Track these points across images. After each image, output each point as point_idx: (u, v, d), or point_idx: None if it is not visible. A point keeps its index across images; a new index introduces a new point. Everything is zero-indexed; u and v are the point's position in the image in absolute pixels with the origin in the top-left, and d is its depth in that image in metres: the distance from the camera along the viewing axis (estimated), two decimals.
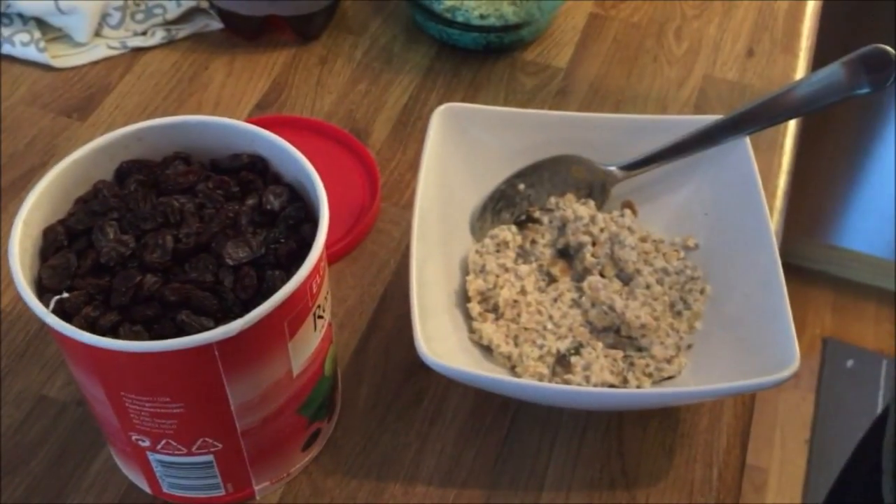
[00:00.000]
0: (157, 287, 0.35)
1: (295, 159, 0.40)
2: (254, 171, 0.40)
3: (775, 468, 1.39)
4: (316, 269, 0.36)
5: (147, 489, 0.43)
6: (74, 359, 0.36)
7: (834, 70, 0.46)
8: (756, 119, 0.50)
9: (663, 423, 0.47)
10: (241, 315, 0.34)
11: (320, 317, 0.38)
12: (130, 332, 0.34)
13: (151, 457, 0.39)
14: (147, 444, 0.38)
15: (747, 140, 0.50)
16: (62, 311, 0.35)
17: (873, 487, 0.53)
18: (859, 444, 0.66)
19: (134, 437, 0.38)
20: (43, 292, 0.36)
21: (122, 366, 0.34)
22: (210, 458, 0.39)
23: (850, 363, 1.51)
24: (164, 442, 0.38)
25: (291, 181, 0.41)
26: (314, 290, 0.37)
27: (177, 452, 0.38)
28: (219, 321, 0.35)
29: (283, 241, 0.38)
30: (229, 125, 0.41)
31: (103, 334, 0.34)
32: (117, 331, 0.35)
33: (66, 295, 0.34)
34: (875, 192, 1.47)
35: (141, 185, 0.39)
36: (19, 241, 0.35)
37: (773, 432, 1.43)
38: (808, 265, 1.60)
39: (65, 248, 0.37)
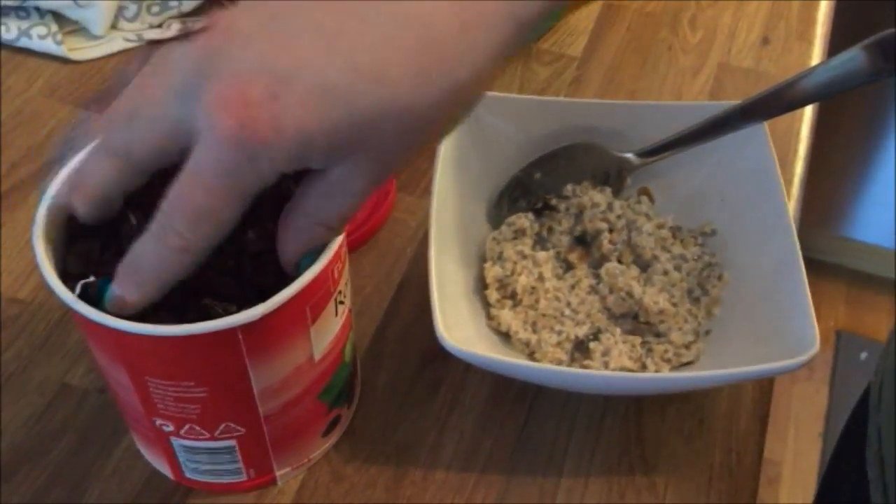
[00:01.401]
0: None
1: None
2: None
3: (789, 461, 1.39)
4: (337, 255, 0.36)
5: (170, 475, 0.43)
6: (99, 344, 0.36)
7: (853, 55, 0.46)
8: (774, 104, 0.50)
9: (682, 409, 0.47)
10: (262, 301, 0.34)
11: (341, 302, 0.39)
12: (155, 317, 0.35)
13: (175, 442, 0.39)
14: (170, 429, 0.38)
15: (765, 125, 0.50)
16: (86, 298, 0.35)
17: (861, 488, 0.53)
18: (841, 441, 0.65)
19: (157, 423, 0.38)
20: (67, 279, 0.36)
21: (146, 350, 0.34)
22: (233, 443, 0.39)
23: (863, 355, 1.51)
24: (187, 427, 0.38)
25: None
26: (335, 276, 0.37)
27: (200, 437, 0.39)
28: (242, 307, 0.35)
29: None
30: None
31: (127, 319, 0.34)
32: (142, 316, 0.35)
33: (91, 279, 0.35)
34: (889, 183, 1.46)
35: (163, 173, 0.39)
36: (44, 229, 0.36)
37: (786, 425, 1.43)
38: (822, 257, 1.59)
39: (90, 236, 0.37)
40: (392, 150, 0.31)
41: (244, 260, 0.37)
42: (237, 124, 0.29)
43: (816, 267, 1.68)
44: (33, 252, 0.35)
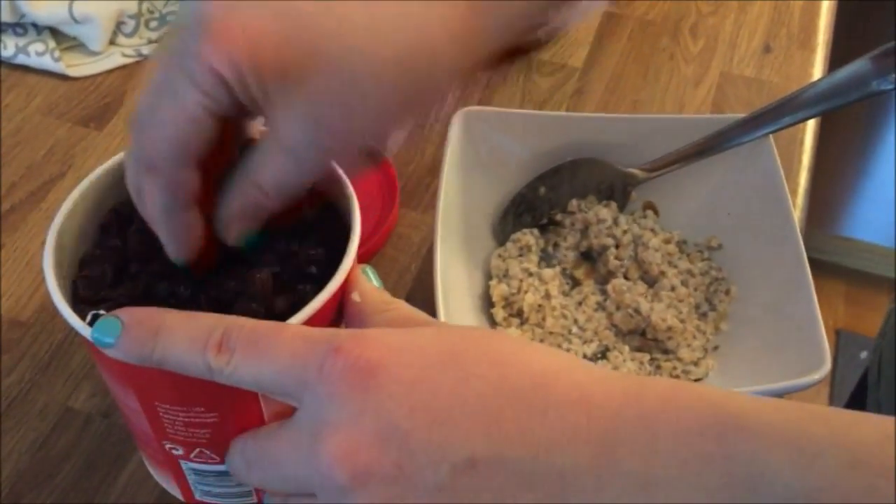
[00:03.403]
0: (191, 297, 0.35)
1: (329, 168, 0.39)
2: None
3: None
4: (349, 278, 0.36)
5: (180, 496, 0.42)
6: (109, 370, 0.36)
7: (860, 66, 0.46)
8: (780, 117, 0.49)
9: None
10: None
11: None
12: None
13: (184, 465, 0.39)
14: (180, 452, 0.38)
15: (771, 139, 0.50)
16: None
17: None
18: None
19: (167, 446, 0.38)
20: (77, 303, 0.36)
21: (157, 376, 0.34)
22: None
23: (864, 354, 1.51)
24: (197, 451, 0.38)
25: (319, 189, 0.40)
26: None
27: (210, 461, 0.38)
28: None
29: (313, 251, 0.38)
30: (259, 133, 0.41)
31: None
32: None
33: (102, 312, 0.34)
34: (888, 182, 1.46)
35: None
36: (54, 252, 0.35)
37: None
38: (820, 256, 1.59)
39: (102, 260, 0.37)
40: (331, 100, 0.30)
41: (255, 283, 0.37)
42: None
43: (815, 266, 1.68)
44: (43, 276, 0.35)
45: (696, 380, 0.46)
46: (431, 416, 0.27)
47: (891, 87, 0.46)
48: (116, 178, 0.39)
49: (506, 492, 0.27)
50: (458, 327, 0.31)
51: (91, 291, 0.36)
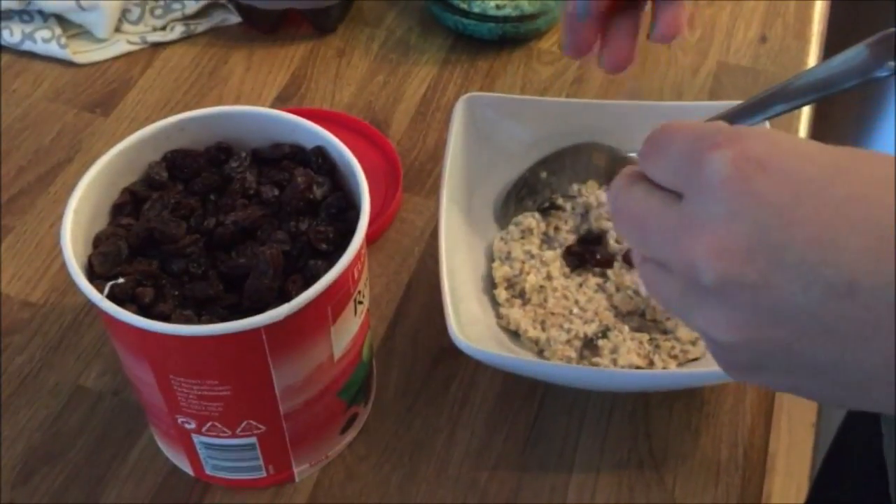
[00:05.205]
0: (204, 273, 0.36)
1: (337, 149, 0.41)
2: (294, 160, 0.41)
3: (782, 451, 1.40)
4: (358, 256, 0.37)
5: (190, 471, 0.43)
6: (125, 343, 0.37)
7: (856, 52, 0.46)
8: (777, 102, 0.50)
9: (688, 404, 0.48)
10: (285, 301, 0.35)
11: (360, 302, 0.39)
12: (181, 317, 0.35)
13: (196, 439, 0.40)
14: (193, 426, 0.39)
15: (767, 125, 0.51)
16: (112, 297, 0.35)
17: (873, 444, 0.53)
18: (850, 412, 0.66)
19: (180, 420, 0.39)
20: (93, 279, 0.37)
21: (172, 350, 0.35)
22: (253, 440, 0.40)
23: None
24: (209, 425, 0.39)
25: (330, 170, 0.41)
26: (356, 276, 0.38)
27: (221, 435, 0.39)
28: (263, 308, 0.36)
29: (324, 228, 0.39)
30: (271, 115, 0.42)
31: (153, 319, 0.34)
32: (168, 315, 0.35)
33: (121, 280, 0.35)
34: None
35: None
36: (70, 230, 0.36)
37: (779, 416, 1.44)
38: None
39: (117, 235, 0.38)
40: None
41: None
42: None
43: None
44: (62, 251, 0.36)
45: (694, 359, 0.47)
46: (810, 234, 0.25)
47: (887, 73, 0.47)
48: (129, 161, 0.40)
49: (884, 326, 0.24)
50: (839, 147, 0.28)
51: (106, 267, 0.37)
